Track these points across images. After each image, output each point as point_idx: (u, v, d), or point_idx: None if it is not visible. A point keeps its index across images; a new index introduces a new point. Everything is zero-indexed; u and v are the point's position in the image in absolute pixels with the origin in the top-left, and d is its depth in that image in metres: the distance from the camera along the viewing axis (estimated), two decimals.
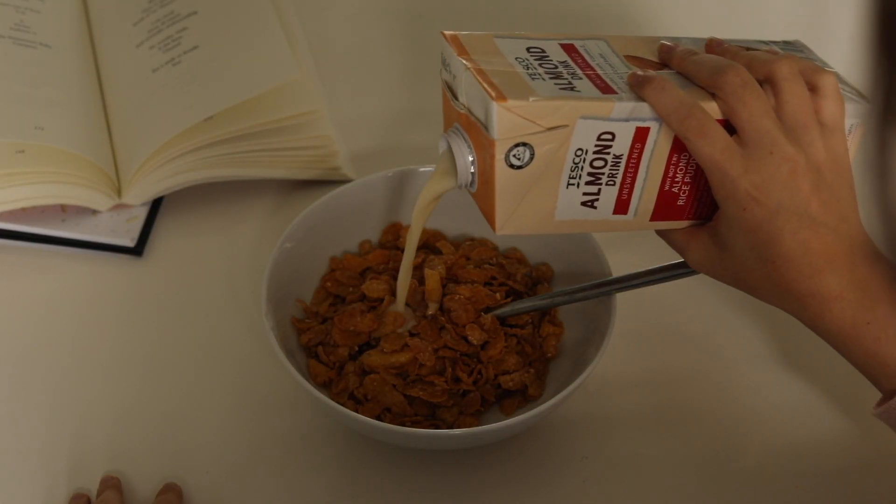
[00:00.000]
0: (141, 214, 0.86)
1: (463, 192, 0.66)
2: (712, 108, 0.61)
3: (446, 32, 0.64)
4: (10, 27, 0.92)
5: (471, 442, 0.70)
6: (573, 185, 0.63)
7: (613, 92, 0.61)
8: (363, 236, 0.81)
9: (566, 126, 0.60)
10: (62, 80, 0.90)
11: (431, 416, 0.71)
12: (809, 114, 0.61)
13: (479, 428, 0.67)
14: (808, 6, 1.07)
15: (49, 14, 0.96)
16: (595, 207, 0.64)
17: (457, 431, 0.69)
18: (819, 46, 0.71)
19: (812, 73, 0.62)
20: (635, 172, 0.63)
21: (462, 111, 0.63)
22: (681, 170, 0.64)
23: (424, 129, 0.94)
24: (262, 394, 0.75)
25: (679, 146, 0.63)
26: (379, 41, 1.04)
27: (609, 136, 0.61)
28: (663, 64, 0.65)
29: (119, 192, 0.85)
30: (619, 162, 0.62)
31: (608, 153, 0.62)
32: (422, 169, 0.81)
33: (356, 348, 0.74)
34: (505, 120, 0.59)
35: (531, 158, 0.61)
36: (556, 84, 0.61)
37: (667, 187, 0.64)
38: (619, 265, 0.74)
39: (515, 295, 0.76)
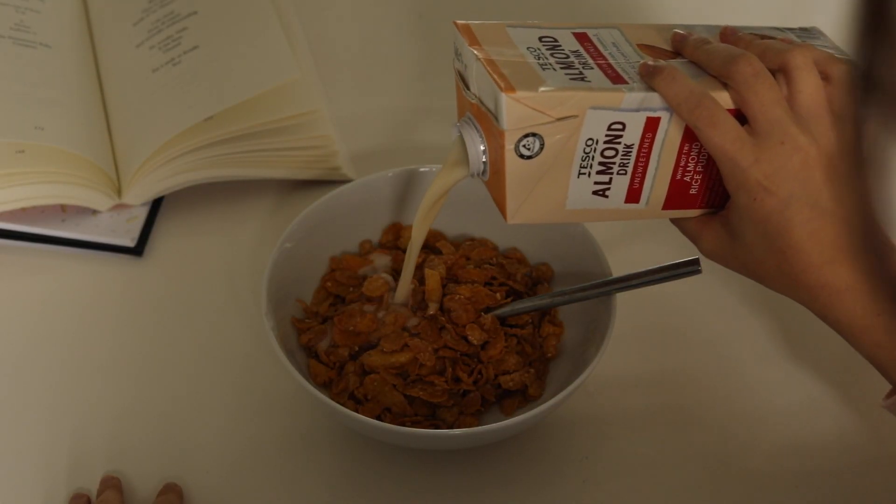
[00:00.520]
0: (141, 214, 0.86)
1: (466, 187, 0.66)
2: (724, 98, 0.61)
3: (458, 22, 0.64)
4: (10, 27, 0.92)
5: (471, 442, 0.70)
6: (584, 174, 0.63)
7: (624, 82, 0.61)
8: (363, 236, 0.81)
9: (576, 116, 0.60)
10: (62, 80, 0.90)
11: (431, 416, 0.71)
12: (822, 103, 0.61)
13: (479, 428, 0.67)
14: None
15: (49, 14, 0.96)
16: (606, 196, 0.64)
17: (457, 431, 0.69)
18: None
19: (826, 62, 0.62)
20: (647, 162, 0.63)
21: (473, 101, 0.63)
22: (692, 159, 0.64)
23: (425, 128, 0.95)
24: (262, 394, 0.75)
25: (690, 136, 0.63)
26: (379, 41, 1.04)
27: (619, 126, 0.61)
28: (676, 53, 0.65)
29: (119, 192, 0.85)
30: (630, 151, 0.63)
31: (619, 143, 0.62)
32: (422, 169, 0.81)
33: (356, 348, 0.74)
34: (514, 111, 0.59)
35: (541, 148, 0.61)
36: (566, 74, 0.61)
37: (678, 176, 0.64)
38: (619, 265, 0.74)
39: (515, 295, 0.76)
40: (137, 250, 0.84)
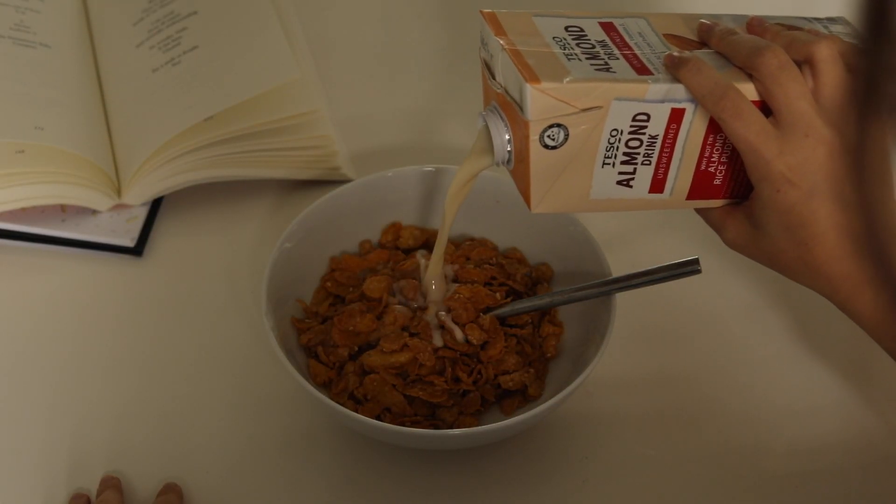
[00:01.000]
0: (141, 214, 0.86)
1: (482, 175, 0.66)
2: (749, 90, 0.62)
3: (484, 11, 0.64)
4: (10, 27, 0.92)
5: (471, 442, 0.70)
6: (608, 164, 0.63)
7: (649, 73, 0.61)
8: (363, 236, 0.81)
9: (600, 107, 0.60)
10: (62, 80, 0.90)
11: (431, 416, 0.71)
12: (847, 96, 0.61)
13: (479, 428, 0.67)
14: None
15: (49, 14, 0.96)
16: (631, 186, 0.64)
17: (457, 431, 0.69)
18: None
19: (852, 54, 0.62)
20: (671, 152, 0.63)
21: (499, 90, 0.63)
22: (717, 150, 0.64)
23: (425, 128, 0.95)
24: (262, 394, 0.75)
25: (715, 127, 0.63)
26: (379, 41, 1.03)
27: (644, 117, 0.62)
28: (702, 43, 0.65)
29: (119, 192, 0.85)
30: (655, 142, 0.63)
31: (643, 133, 0.62)
32: (422, 169, 0.81)
33: (356, 348, 0.74)
34: (539, 101, 0.59)
35: (566, 139, 0.61)
36: (592, 65, 0.61)
37: (703, 167, 0.64)
38: (619, 265, 0.74)
39: (515, 295, 0.76)
40: (137, 250, 0.84)
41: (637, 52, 0.63)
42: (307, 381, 0.68)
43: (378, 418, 0.70)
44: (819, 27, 0.66)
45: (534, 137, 0.61)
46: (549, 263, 0.79)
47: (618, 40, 0.64)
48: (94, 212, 0.85)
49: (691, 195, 0.66)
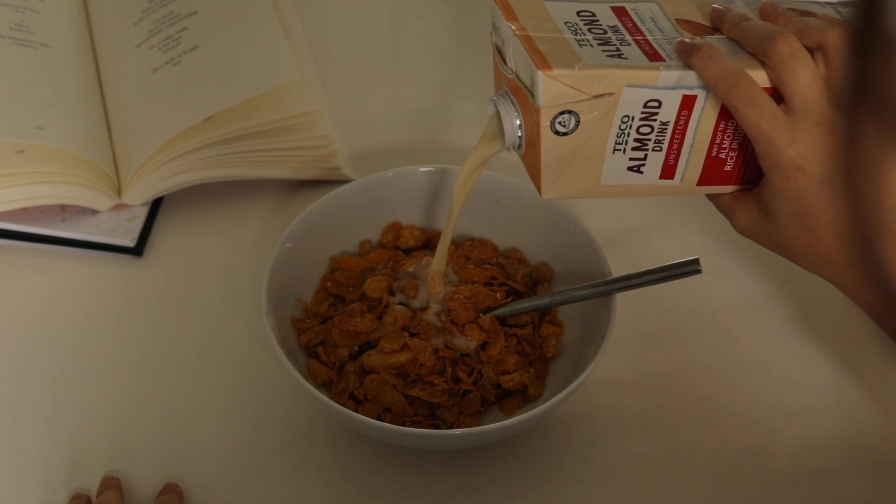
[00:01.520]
0: (141, 214, 0.86)
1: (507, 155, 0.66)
2: (761, 77, 0.62)
3: None
4: (10, 27, 0.92)
5: (471, 442, 0.70)
6: (619, 150, 0.63)
7: (661, 59, 0.61)
8: (363, 236, 0.81)
9: (612, 94, 0.61)
10: (62, 80, 0.90)
11: (431, 416, 0.71)
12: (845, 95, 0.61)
13: (479, 428, 0.67)
14: None
15: (49, 14, 0.96)
16: (641, 172, 0.64)
17: (457, 431, 0.69)
18: None
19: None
20: (682, 139, 0.63)
21: (510, 76, 0.63)
22: (728, 136, 0.64)
23: (425, 128, 0.95)
24: (262, 394, 0.75)
25: (726, 113, 0.63)
26: (379, 41, 1.04)
27: (655, 104, 0.62)
28: (715, 28, 0.65)
29: (119, 192, 0.85)
30: (666, 128, 0.63)
31: (655, 120, 0.62)
32: (422, 169, 0.81)
33: (356, 348, 0.74)
34: (550, 88, 0.59)
35: (577, 125, 0.61)
36: (603, 51, 0.61)
37: (714, 153, 0.64)
38: (619, 265, 0.74)
39: (515, 295, 0.76)
40: (137, 250, 0.84)
41: (649, 37, 0.63)
42: (307, 381, 0.68)
43: (378, 418, 0.70)
44: (832, 12, 0.66)
45: (545, 124, 0.61)
46: (549, 263, 0.79)
47: (630, 25, 0.63)
48: (94, 212, 0.85)
49: (702, 181, 0.66)
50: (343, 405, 0.69)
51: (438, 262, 0.74)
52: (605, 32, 0.63)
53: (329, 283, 0.78)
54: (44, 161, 0.82)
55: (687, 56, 0.62)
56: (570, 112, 0.61)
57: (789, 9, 0.65)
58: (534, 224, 0.79)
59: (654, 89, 0.61)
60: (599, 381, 0.75)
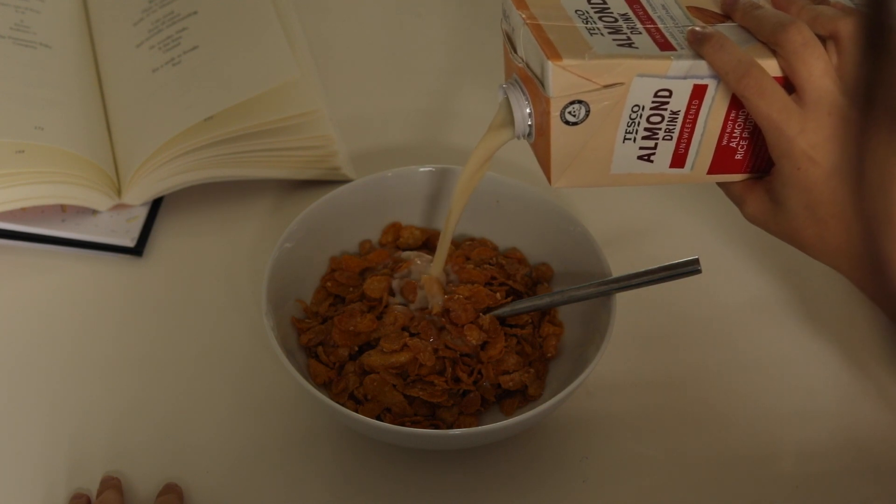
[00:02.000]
0: (141, 214, 0.86)
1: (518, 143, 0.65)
2: (772, 66, 0.61)
3: None
4: (10, 27, 0.92)
5: (471, 442, 0.70)
6: (629, 139, 0.63)
7: (672, 48, 0.61)
8: (363, 236, 0.81)
9: (622, 84, 0.60)
10: (62, 80, 0.90)
11: (431, 416, 0.71)
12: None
13: (479, 428, 0.67)
14: None
15: (49, 14, 0.96)
16: (651, 161, 0.64)
17: (457, 431, 0.69)
18: None
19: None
20: (692, 128, 0.63)
21: (520, 64, 0.63)
22: (739, 125, 0.64)
23: (425, 128, 0.95)
24: (262, 394, 0.75)
25: (737, 103, 0.63)
26: (379, 41, 1.03)
27: (666, 93, 0.62)
28: (726, 16, 0.65)
29: (119, 192, 0.85)
30: (677, 118, 0.63)
31: (665, 109, 0.62)
32: (422, 169, 0.81)
33: (356, 348, 0.74)
34: (560, 78, 0.59)
35: (587, 115, 0.61)
36: (614, 40, 0.61)
37: (724, 142, 0.64)
38: (619, 265, 0.74)
39: (515, 295, 0.76)
40: (137, 250, 0.84)
41: (660, 25, 0.63)
42: (307, 381, 0.68)
43: (378, 418, 0.70)
44: (844, 2, 0.66)
45: (555, 114, 0.61)
46: (549, 263, 0.79)
47: (641, 13, 0.63)
48: (94, 212, 0.85)
49: (712, 170, 0.66)
50: (343, 405, 0.69)
51: (437, 265, 0.74)
52: (616, 21, 0.63)
53: (329, 283, 0.78)
54: (44, 161, 0.82)
55: (698, 45, 0.61)
56: (580, 102, 0.60)
57: None
58: (534, 224, 0.79)
59: (664, 79, 0.61)
60: (599, 381, 0.75)
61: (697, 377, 0.77)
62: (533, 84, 0.62)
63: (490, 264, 0.77)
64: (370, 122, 0.95)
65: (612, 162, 0.64)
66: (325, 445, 0.73)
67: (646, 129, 0.63)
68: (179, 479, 0.71)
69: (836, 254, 0.63)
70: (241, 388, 0.76)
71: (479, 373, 0.72)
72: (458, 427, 0.70)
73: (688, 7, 0.65)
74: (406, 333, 0.72)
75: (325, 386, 0.73)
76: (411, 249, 0.80)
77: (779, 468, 0.72)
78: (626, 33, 0.62)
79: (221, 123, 0.85)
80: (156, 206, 0.87)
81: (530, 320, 0.75)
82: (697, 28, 0.62)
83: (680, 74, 0.61)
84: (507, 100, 0.65)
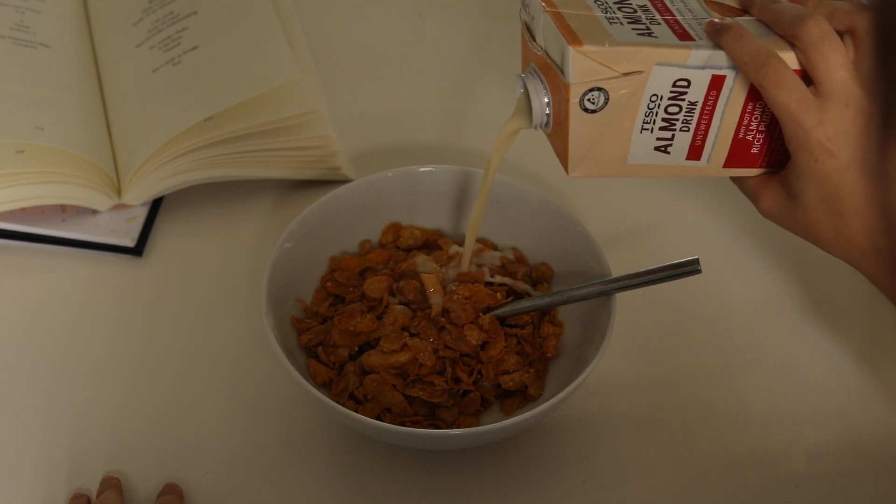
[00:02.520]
0: (141, 214, 0.86)
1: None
2: (790, 59, 0.62)
3: None
4: (10, 27, 0.92)
5: (471, 442, 0.70)
6: (647, 129, 0.63)
7: (691, 38, 0.62)
8: (363, 236, 0.81)
9: (641, 72, 0.61)
10: (62, 80, 0.90)
11: (431, 416, 0.71)
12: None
13: (479, 428, 0.67)
14: None
15: (49, 14, 0.96)
16: (668, 153, 0.65)
17: (457, 431, 0.69)
18: None
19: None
20: (710, 119, 0.64)
21: (539, 53, 0.63)
22: (755, 118, 0.64)
23: (424, 128, 0.95)
24: (262, 394, 0.75)
25: (754, 95, 0.63)
26: (379, 41, 1.04)
27: (684, 83, 0.62)
28: (744, 10, 0.65)
29: (119, 192, 0.85)
30: (694, 108, 0.63)
31: (683, 99, 0.62)
32: (422, 169, 0.81)
33: (356, 348, 0.74)
34: (580, 64, 0.60)
35: (605, 103, 0.61)
36: (633, 29, 0.61)
37: (741, 135, 0.65)
38: (619, 265, 0.74)
39: (515, 295, 0.76)
40: (137, 250, 0.84)
41: (679, 17, 0.63)
42: (307, 381, 0.68)
43: (378, 418, 0.70)
44: None
45: (574, 100, 0.61)
46: (549, 263, 0.79)
47: (659, 6, 0.64)
48: (94, 212, 0.85)
49: (728, 163, 0.66)
50: (343, 405, 0.69)
51: (465, 260, 0.75)
52: (636, 12, 0.63)
53: (329, 283, 0.78)
54: (44, 161, 0.82)
55: (717, 36, 0.62)
56: (599, 89, 0.61)
57: None
58: (534, 224, 0.79)
59: (683, 68, 0.61)
60: (599, 381, 0.75)
61: (697, 377, 0.77)
62: (552, 72, 0.62)
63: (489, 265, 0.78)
64: (370, 122, 0.95)
65: (630, 152, 0.64)
66: (325, 445, 0.73)
67: (663, 120, 0.63)
68: (179, 479, 0.71)
69: (851, 247, 0.63)
70: (241, 388, 0.76)
71: (479, 373, 0.72)
72: (458, 427, 0.70)
73: (706, 0, 0.65)
74: (406, 333, 0.72)
75: (325, 386, 0.73)
76: (411, 249, 0.80)
77: (779, 469, 0.72)
78: (645, 24, 0.62)
79: (221, 123, 0.85)
80: (156, 206, 0.87)
81: (530, 320, 0.75)
82: (716, 19, 0.63)
83: (699, 64, 0.61)
84: (525, 89, 0.65)
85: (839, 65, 0.60)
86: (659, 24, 0.62)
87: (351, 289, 0.77)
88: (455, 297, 0.73)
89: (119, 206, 0.85)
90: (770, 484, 0.71)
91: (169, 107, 0.87)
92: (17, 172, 0.81)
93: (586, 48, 0.60)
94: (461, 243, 0.80)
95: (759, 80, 0.61)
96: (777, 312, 0.81)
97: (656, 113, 0.63)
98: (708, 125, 0.64)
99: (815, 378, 0.77)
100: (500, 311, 0.74)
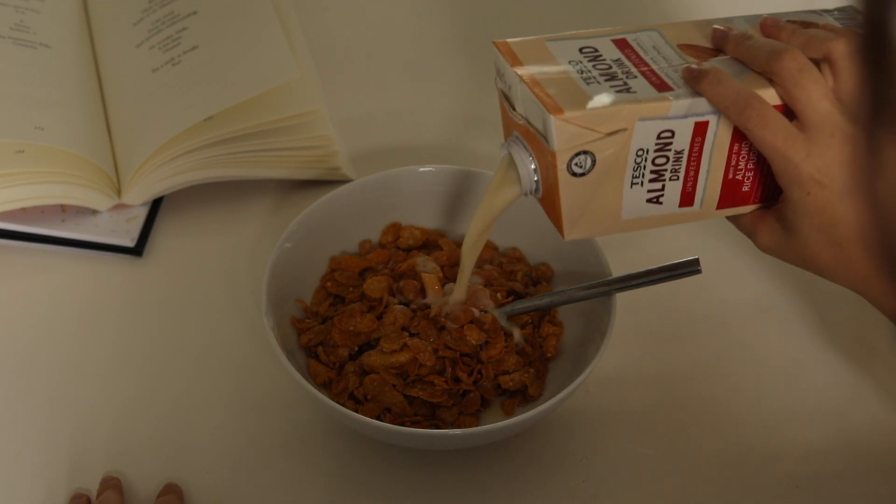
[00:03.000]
0: (141, 214, 0.86)
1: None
2: (770, 94, 0.61)
3: (497, 41, 0.64)
4: (10, 27, 0.92)
5: (471, 442, 0.70)
6: (637, 184, 0.63)
7: (669, 88, 0.61)
8: (363, 236, 0.81)
9: (625, 129, 0.60)
10: (62, 80, 0.90)
11: (431, 416, 0.71)
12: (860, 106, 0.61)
13: (479, 428, 0.67)
14: None
15: (49, 14, 0.96)
16: (661, 203, 0.64)
17: (457, 431, 0.69)
18: None
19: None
20: (698, 165, 0.63)
21: (520, 121, 0.63)
22: (743, 157, 0.64)
23: (424, 129, 0.95)
24: (262, 394, 0.75)
25: (739, 135, 0.63)
26: (379, 41, 1.04)
27: (669, 134, 0.61)
28: (718, 50, 0.65)
29: (119, 192, 0.85)
30: (681, 157, 0.63)
31: (669, 150, 0.62)
32: (422, 169, 0.81)
33: (356, 348, 0.74)
34: (564, 131, 0.59)
35: (593, 165, 0.61)
36: (611, 86, 0.61)
37: (730, 175, 0.64)
38: (619, 265, 0.74)
39: (515, 295, 0.76)
40: (137, 250, 0.84)
41: (654, 67, 0.63)
42: (307, 381, 0.68)
43: (378, 418, 0.70)
44: (832, 20, 0.66)
45: (561, 167, 0.60)
46: (549, 263, 0.79)
47: (633, 57, 0.63)
48: (94, 212, 0.85)
49: (721, 204, 0.66)
50: (343, 405, 0.69)
51: (458, 296, 0.73)
52: (611, 67, 0.62)
53: (329, 283, 0.78)
54: (44, 161, 0.82)
55: (695, 82, 0.61)
56: (585, 152, 0.60)
57: (790, 21, 0.65)
58: (534, 224, 0.79)
59: (666, 120, 0.61)
60: (599, 380, 0.75)
61: (697, 377, 0.77)
62: (535, 139, 0.62)
63: (490, 264, 0.78)
64: (370, 122, 0.95)
65: (623, 208, 0.64)
66: (325, 445, 0.73)
67: (652, 172, 0.63)
68: (179, 479, 0.71)
69: (852, 274, 0.63)
70: (241, 388, 0.76)
71: (479, 373, 0.72)
72: (458, 427, 0.70)
73: (678, 45, 0.65)
74: (406, 333, 0.72)
75: (325, 386, 0.73)
76: (411, 249, 0.80)
77: (780, 468, 0.72)
78: (622, 79, 0.62)
79: (221, 123, 0.85)
80: (156, 206, 0.87)
81: (530, 320, 0.75)
82: (693, 65, 0.62)
83: (680, 114, 0.61)
84: (510, 158, 0.64)
85: (820, 96, 0.60)
86: (636, 77, 0.62)
87: (351, 289, 0.77)
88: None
89: (119, 206, 0.85)
90: (771, 482, 0.71)
91: (169, 107, 0.87)
92: (17, 172, 0.81)
93: (568, 114, 0.59)
94: (460, 243, 0.80)
95: (742, 123, 0.61)
96: (777, 312, 0.81)
97: (644, 166, 0.62)
98: (696, 171, 0.64)
99: (814, 377, 0.77)
100: (500, 311, 0.74)
